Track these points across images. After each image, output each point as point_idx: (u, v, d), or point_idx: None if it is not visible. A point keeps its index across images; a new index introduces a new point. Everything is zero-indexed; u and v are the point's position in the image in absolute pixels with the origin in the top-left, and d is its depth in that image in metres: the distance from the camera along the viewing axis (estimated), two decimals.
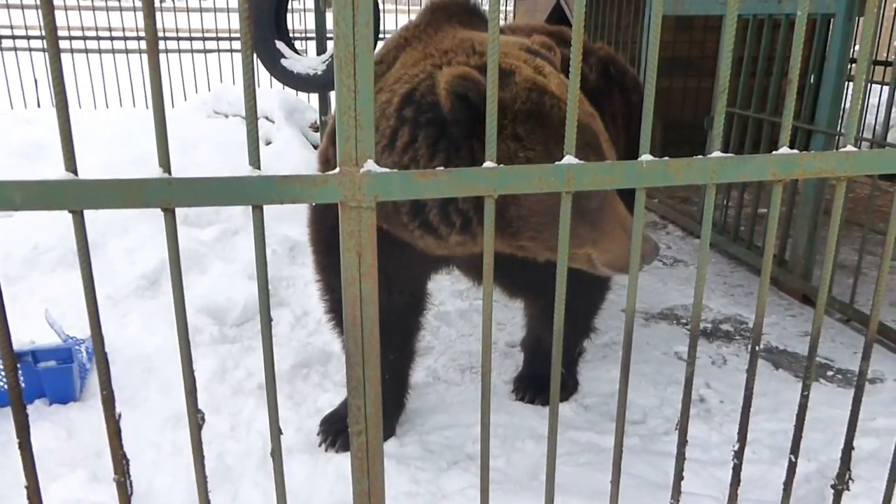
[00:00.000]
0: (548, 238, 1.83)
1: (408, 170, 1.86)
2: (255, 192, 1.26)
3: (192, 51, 8.21)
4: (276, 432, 1.44)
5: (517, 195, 1.76)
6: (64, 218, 1.21)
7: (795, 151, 1.44)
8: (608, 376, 2.81)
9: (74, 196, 1.18)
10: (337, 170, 1.28)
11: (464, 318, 3.32)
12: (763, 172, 1.44)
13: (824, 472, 2.16)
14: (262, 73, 5.84)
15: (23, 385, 1.25)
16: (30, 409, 2.32)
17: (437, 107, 1.79)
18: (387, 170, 1.29)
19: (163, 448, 2.26)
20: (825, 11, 3.27)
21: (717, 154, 1.41)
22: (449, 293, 3.53)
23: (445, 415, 2.52)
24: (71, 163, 1.18)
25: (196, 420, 1.41)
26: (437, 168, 1.32)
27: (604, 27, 5.84)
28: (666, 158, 1.39)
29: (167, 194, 1.22)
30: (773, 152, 1.44)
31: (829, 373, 2.89)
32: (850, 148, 1.47)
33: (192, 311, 3.03)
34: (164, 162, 1.23)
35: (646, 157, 1.38)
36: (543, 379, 2.58)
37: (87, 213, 1.21)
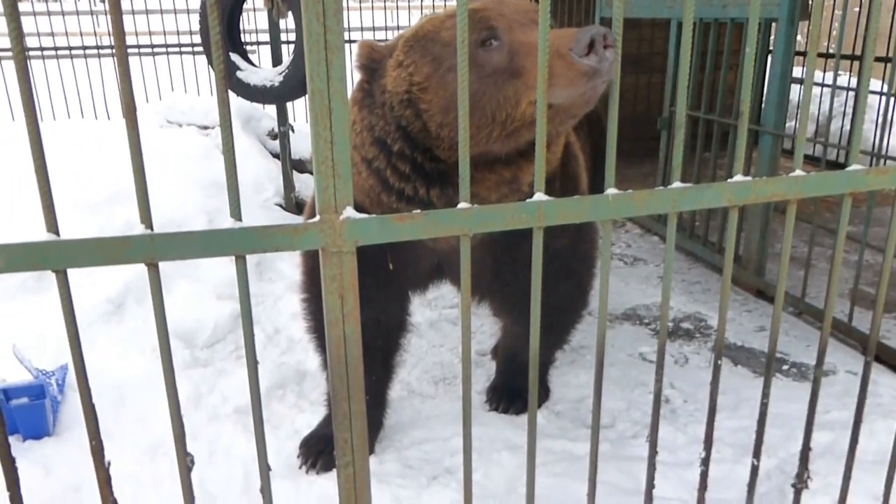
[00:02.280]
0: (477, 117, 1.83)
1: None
2: (238, 243, 1.29)
3: (139, 54, 8.01)
4: (265, 471, 1.48)
5: (425, 97, 1.88)
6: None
7: (749, 179, 1.53)
8: (577, 381, 2.90)
9: (58, 257, 1.20)
10: (317, 218, 1.31)
11: (434, 329, 3.38)
12: (720, 199, 1.52)
13: (784, 468, 2.28)
14: (213, 82, 5.78)
15: None
16: None
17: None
18: (365, 215, 1.33)
19: (142, 480, 2.27)
20: (768, 16, 3.40)
21: (677, 184, 1.49)
22: (417, 303, 3.57)
23: (422, 429, 2.57)
24: (52, 224, 1.20)
25: (185, 464, 1.43)
26: (415, 212, 1.37)
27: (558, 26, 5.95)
28: (630, 191, 1.46)
29: (150, 250, 1.25)
30: (729, 180, 1.53)
31: (785, 367, 3.03)
32: (798, 172, 1.56)
33: None
34: (146, 218, 1.25)
35: (611, 190, 1.45)
36: (517, 389, 2.67)
37: None
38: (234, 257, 1.33)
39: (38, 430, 2.39)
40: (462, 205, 1.37)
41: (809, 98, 1.58)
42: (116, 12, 1.15)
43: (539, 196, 1.41)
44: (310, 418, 2.59)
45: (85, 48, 7.54)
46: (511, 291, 2.33)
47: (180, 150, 5.10)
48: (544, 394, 2.78)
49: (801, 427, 2.66)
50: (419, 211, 1.36)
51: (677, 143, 1.48)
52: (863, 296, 3.52)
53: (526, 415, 2.70)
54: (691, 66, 4.12)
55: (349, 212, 1.32)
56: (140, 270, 3.23)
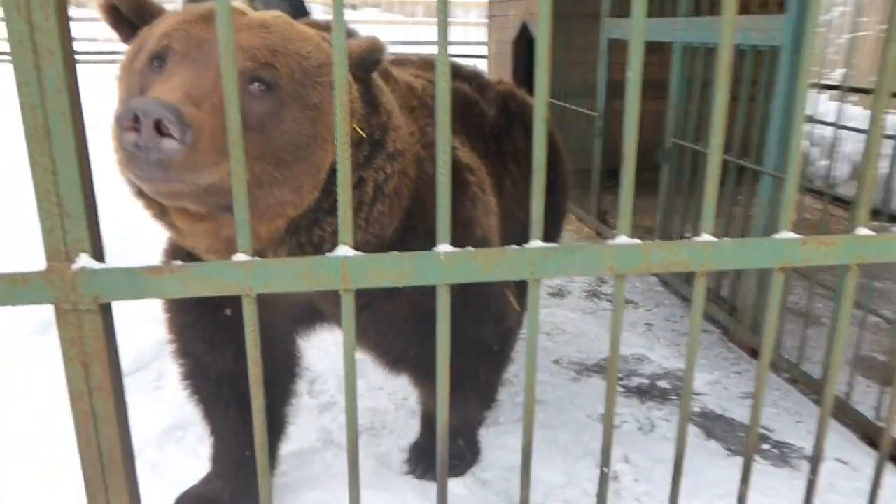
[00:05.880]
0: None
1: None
2: None
3: None
4: None
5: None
6: None
7: (637, 242, 1.19)
8: (516, 444, 2.51)
9: None
10: (44, 266, 1.04)
11: (378, 369, 3.06)
12: (596, 266, 1.19)
13: None
14: None
15: None
16: None
17: None
18: (107, 266, 1.05)
19: None
20: (771, 43, 3.01)
21: (536, 244, 1.16)
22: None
23: (321, 490, 2.26)
24: None
25: None
26: (174, 262, 1.08)
27: (566, 49, 5.64)
28: (470, 249, 1.14)
29: None
30: (609, 242, 1.19)
31: (765, 446, 2.60)
32: (706, 237, 1.21)
33: None
34: None
35: (443, 247, 1.13)
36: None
37: None
38: None
39: None
40: (240, 257, 1.07)
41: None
42: None
43: (344, 250, 1.11)
44: (201, 466, 2.30)
45: None
46: (402, 349, 2.02)
47: None
48: (472, 458, 2.44)
49: None
50: (180, 263, 1.07)
51: (536, 194, 1.15)
52: (870, 364, 3.07)
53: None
54: (696, 96, 3.76)
55: (85, 260, 1.03)
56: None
